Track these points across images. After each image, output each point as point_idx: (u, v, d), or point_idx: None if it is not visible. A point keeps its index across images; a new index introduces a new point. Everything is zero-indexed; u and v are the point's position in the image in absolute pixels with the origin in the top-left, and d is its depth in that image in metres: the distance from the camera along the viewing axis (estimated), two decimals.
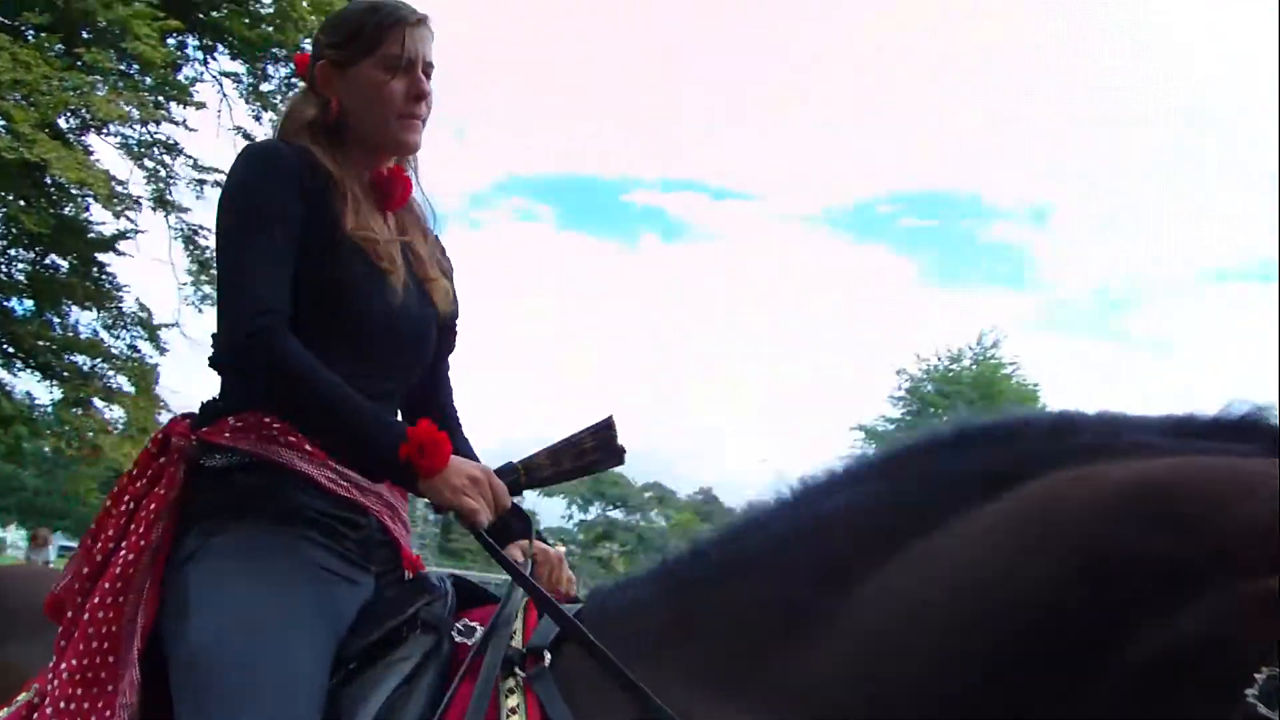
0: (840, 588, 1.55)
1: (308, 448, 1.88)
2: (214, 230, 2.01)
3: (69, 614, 1.86)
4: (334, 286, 1.91)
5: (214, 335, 1.96)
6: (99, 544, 1.89)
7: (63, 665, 1.79)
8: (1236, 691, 1.24)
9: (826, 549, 1.60)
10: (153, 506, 1.87)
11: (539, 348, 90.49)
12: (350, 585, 1.88)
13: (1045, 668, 1.38)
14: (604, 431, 1.97)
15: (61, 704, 1.76)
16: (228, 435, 1.89)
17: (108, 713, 1.74)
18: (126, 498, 1.90)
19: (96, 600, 1.82)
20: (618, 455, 1.97)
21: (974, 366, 43.46)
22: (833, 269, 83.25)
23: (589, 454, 1.96)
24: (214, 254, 2.33)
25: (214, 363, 1.97)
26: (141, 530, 1.85)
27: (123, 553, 1.84)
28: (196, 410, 1.99)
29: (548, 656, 1.68)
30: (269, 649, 1.70)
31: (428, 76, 2.05)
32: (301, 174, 1.93)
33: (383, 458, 1.78)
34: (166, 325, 13.88)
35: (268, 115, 13.20)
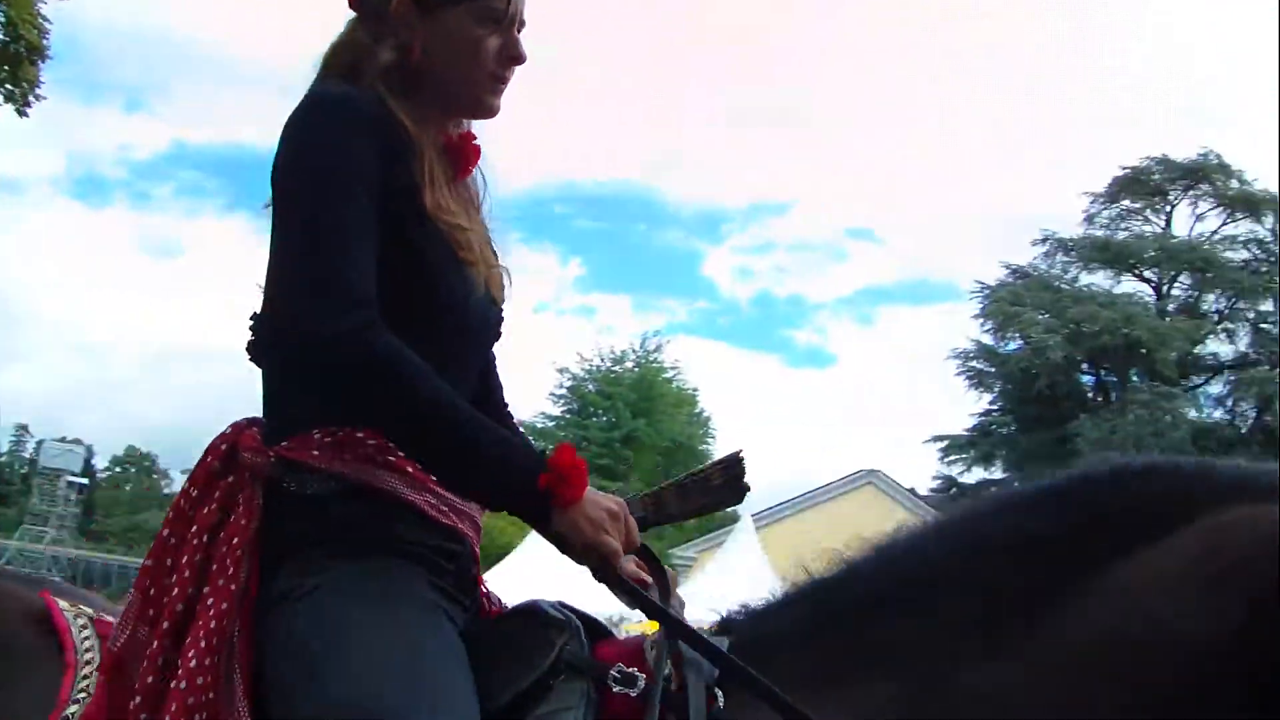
0: (1033, 616, 1.54)
1: (409, 470, 1.65)
2: (274, 192, 1.70)
3: (148, 679, 1.56)
4: (415, 273, 1.67)
5: (265, 320, 1.73)
6: (173, 588, 1.62)
7: None
8: None
9: (1013, 574, 1.57)
10: (235, 541, 1.61)
11: None
12: (454, 624, 1.67)
13: (1234, 688, 1.43)
14: (734, 467, 1.87)
15: None
16: (317, 454, 1.63)
17: None
18: (195, 528, 1.64)
19: (193, 663, 1.53)
20: (742, 493, 1.87)
21: (636, 369, 45.00)
22: None
23: (716, 490, 1.86)
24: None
25: (281, 359, 1.71)
26: (230, 572, 1.59)
27: (210, 601, 1.57)
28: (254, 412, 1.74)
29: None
30: (426, 703, 1.48)
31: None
32: (383, 130, 1.67)
33: (517, 487, 1.57)
34: None
35: None
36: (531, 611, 1.72)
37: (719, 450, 49.07)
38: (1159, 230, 42.58)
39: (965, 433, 41.71)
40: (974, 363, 41.22)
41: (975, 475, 40.95)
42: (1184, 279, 42.18)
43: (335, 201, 1.59)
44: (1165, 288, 42.16)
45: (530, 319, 69.48)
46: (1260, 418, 40.29)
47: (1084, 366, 40.99)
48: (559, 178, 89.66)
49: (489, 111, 1.86)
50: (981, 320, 40.54)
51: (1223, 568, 1.48)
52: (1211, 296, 42.14)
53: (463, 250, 1.73)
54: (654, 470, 44.57)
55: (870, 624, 1.60)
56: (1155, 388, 37.19)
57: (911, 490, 31.43)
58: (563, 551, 1.59)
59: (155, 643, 1.58)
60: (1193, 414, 40.34)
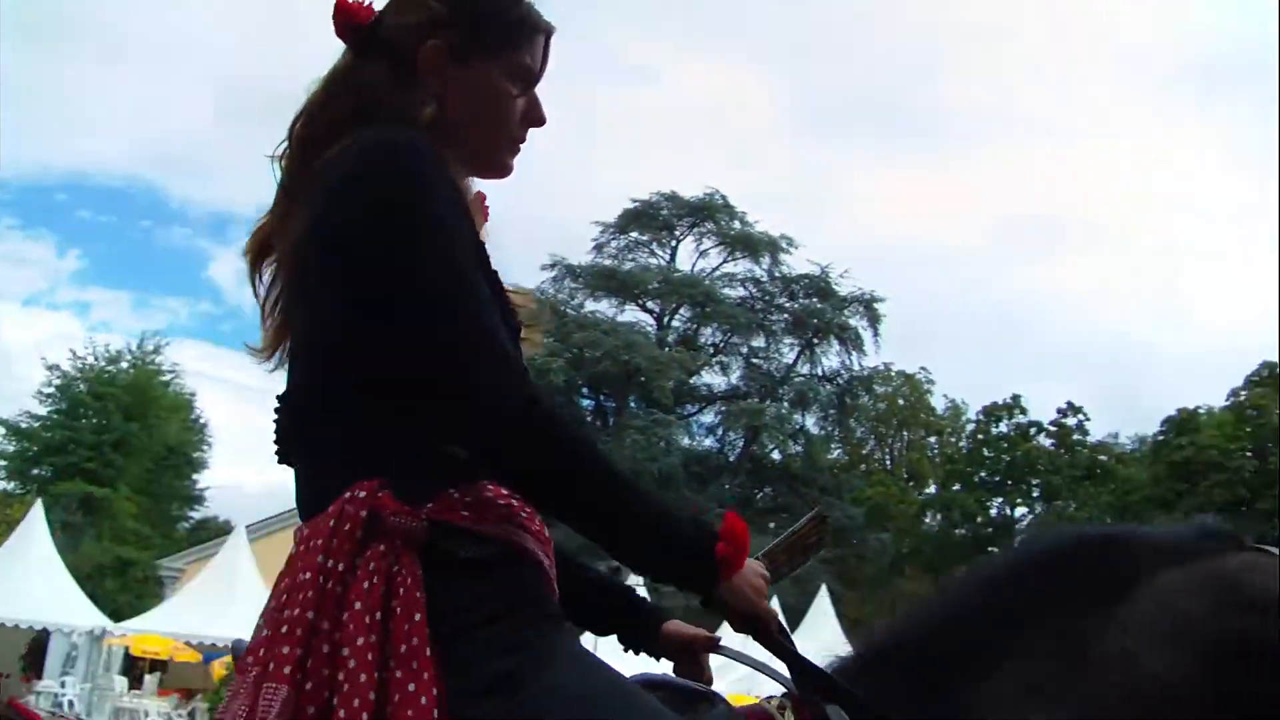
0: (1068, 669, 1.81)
1: (536, 529, 1.60)
2: (365, 239, 1.53)
3: None
4: None
5: (355, 367, 1.55)
6: (352, 681, 1.39)
7: None
8: None
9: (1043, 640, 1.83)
10: (417, 619, 1.44)
11: None
12: None
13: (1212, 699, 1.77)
14: (822, 525, 1.95)
15: None
16: (466, 515, 1.53)
17: None
18: (359, 607, 1.43)
19: None
20: (820, 550, 1.97)
21: (131, 370, 44.39)
22: None
23: (811, 548, 1.93)
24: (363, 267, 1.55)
25: (437, 419, 1.53)
26: (424, 654, 1.42)
27: (412, 688, 1.40)
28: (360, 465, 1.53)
29: None
30: None
31: None
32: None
33: (692, 558, 1.58)
34: None
35: None
36: (664, 684, 1.80)
37: (214, 459, 47.59)
38: (664, 263, 44.50)
39: None
40: None
41: None
42: (684, 311, 44.43)
43: (461, 252, 1.54)
44: (666, 319, 44.15)
45: (20, 311, 63.62)
46: (748, 447, 43.02)
47: (584, 390, 41.89)
48: (64, 165, 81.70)
49: (505, 173, 1.81)
50: None
51: (1175, 625, 1.82)
52: (709, 330, 44.62)
53: (517, 316, 1.68)
54: (144, 476, 41.55)
55: (952, 688, 1.79)
56: (651, 414, 38.58)
57: None
58: (723, 617, 1.62)
59: None
60: (686, 441, 42.45)
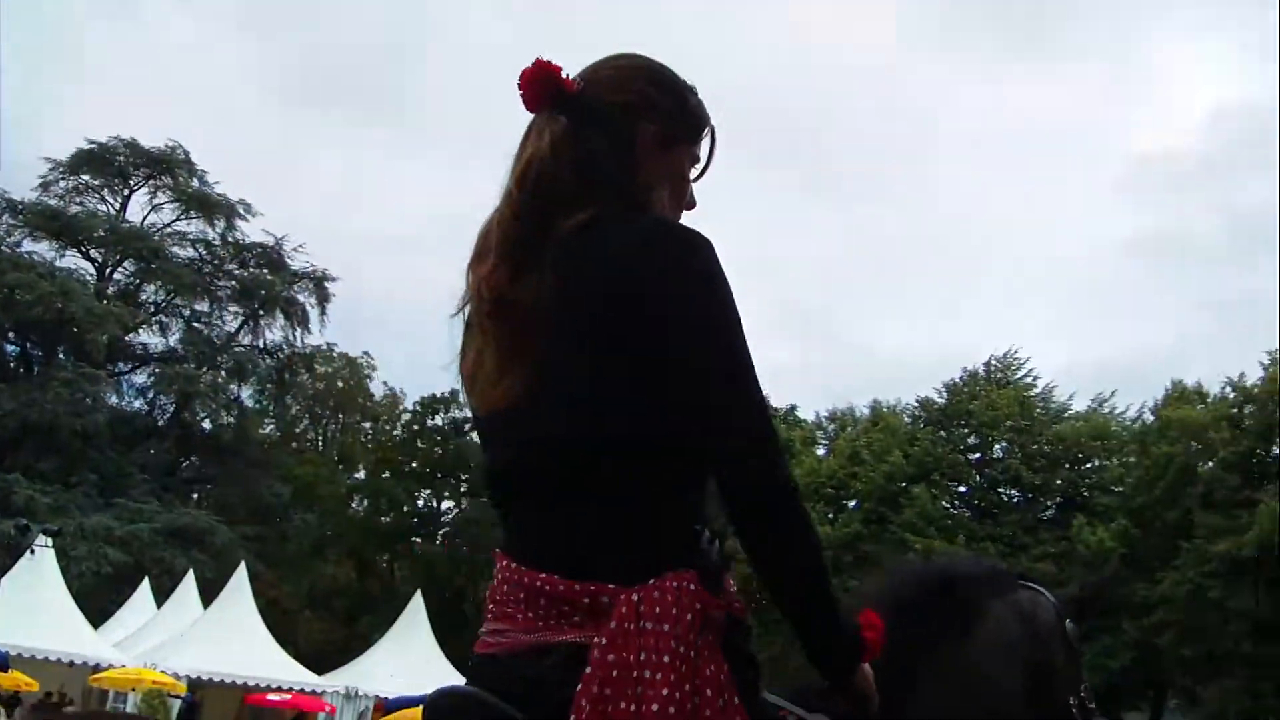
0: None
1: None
2: (692, 323, 1.65)
3: None
4: None
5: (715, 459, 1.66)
6: None
7: None
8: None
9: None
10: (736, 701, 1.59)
11: None
12: None
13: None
14: None
15: None
16: (738, 606, 1.71)
17: None
18: (709, 694, 1.55)
19: None
20: None
21: None
22: None
23: None
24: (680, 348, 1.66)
25: (734, 501, 1.65)
26: None
27: None
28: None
29: None
30: None
31: None
32: None
33: (850, 643, 1.76)
34: None
35: None
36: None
37: None
38: (113, 211, 42.01)
39: None
40: None
41: None
42: (129, 265, 42.13)
43: (746, 344, 1.68)
44: (109, 270, 41.64)
45: None
46: (179, 413, 41.62)
47: (11, 335, 38.61)
48: None
49: None
50: None
51: (1008, 650, 2.29)
52: (152, 287, 42.65)
53: None
54: None
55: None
56: (81, 368, 36.37)
57: None
58: (846, 697, 1.79)
59: None
60: (114, 399, 40.32)
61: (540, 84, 1.79)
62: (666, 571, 1.59)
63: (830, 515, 38.02)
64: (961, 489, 39.38)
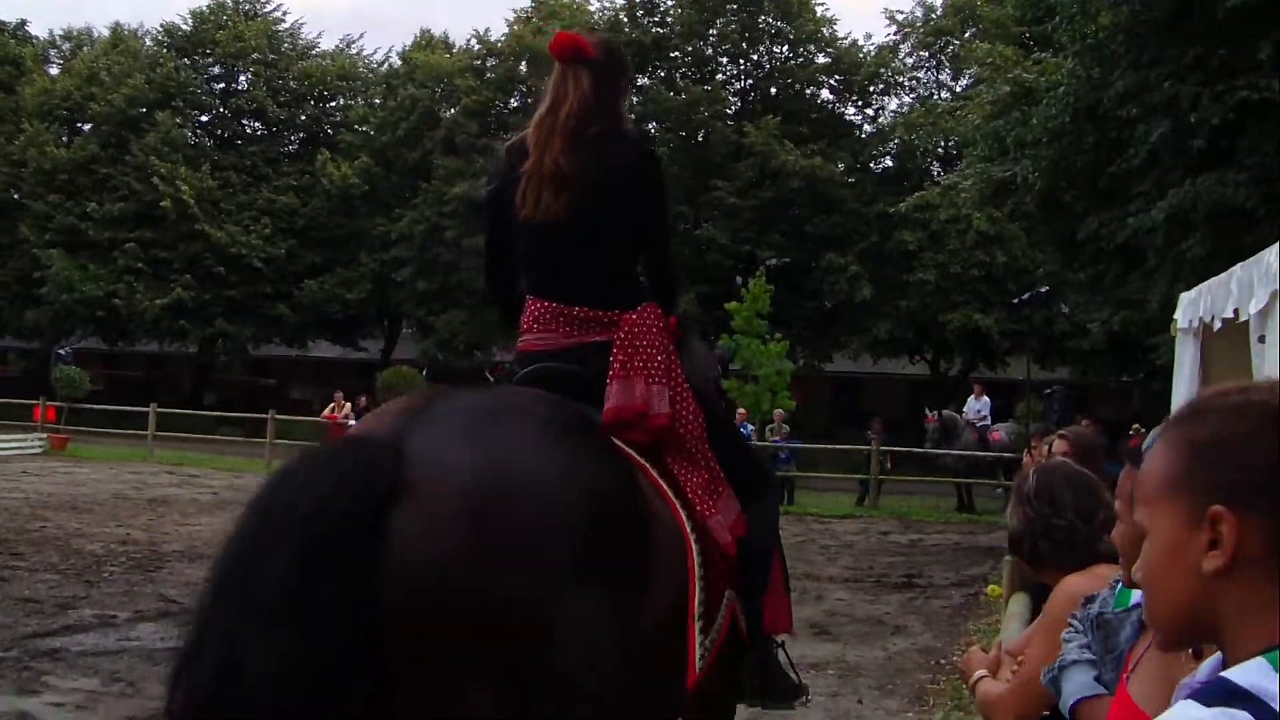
0: None
1: None
2: (660, 210, 3.40)
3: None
4: None
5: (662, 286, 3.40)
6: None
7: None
8: None
9: None
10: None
11: None
12: None
13: None
14: None
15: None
16: (678, 330, 3.49)
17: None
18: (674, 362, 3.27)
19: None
20: None
21: None
22: None
23: None
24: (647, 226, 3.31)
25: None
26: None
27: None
28: None
29: None
30: None
31: None
32: None
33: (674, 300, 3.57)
34: None
35: None
36: None
37: None
38: None
39: None
40: None
41: None
42: None
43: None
44: None
45: None
46: None
47: None
48: None
49: None
50: None
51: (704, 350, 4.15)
52: None
53: None
54: None
55: None
56: None
57: None
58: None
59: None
60: None
61: (571, 47, 3.20)
62: (645, 305, 3.18)
63: (65, 138, 34.82)
64: (205, 118, 37.87)
